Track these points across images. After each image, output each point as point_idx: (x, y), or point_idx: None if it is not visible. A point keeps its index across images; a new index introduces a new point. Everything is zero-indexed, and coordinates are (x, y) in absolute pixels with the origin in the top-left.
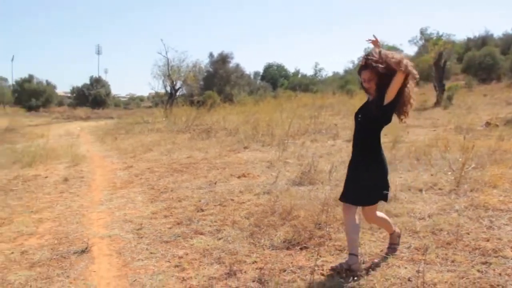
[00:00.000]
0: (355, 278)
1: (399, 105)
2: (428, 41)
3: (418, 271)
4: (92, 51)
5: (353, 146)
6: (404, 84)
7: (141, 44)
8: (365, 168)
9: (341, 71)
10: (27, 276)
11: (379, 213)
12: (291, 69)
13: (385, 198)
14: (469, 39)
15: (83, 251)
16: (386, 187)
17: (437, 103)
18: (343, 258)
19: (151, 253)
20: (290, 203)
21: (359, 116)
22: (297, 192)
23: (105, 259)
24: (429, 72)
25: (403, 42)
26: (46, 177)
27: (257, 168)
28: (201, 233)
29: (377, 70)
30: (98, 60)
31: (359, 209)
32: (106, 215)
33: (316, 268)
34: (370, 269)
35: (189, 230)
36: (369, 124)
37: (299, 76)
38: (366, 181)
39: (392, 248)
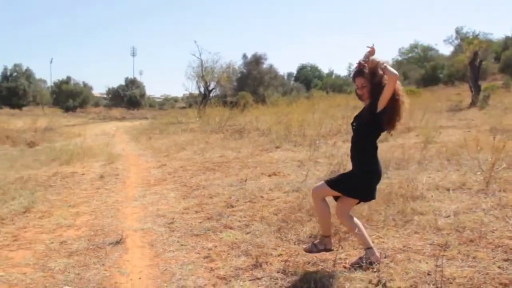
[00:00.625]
0: (376, 270)
1: (388, 116)
2: (463, 40)
3: (437, 265)
4: (127, 53)
5: (350, 153)
6: (396, 94)
7: (175, 45)
8: (356, 172)
9: None
10: (65, 264)
11: (356, 220)
12: (325, 69)
13: (363, 200)
14: (507, 38)
15: (117, 242)
16: (369, 195)
17: (472, 104)
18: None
19: (181, 245)
20: None
21: (354, 124)
22: None
23: (138, 250)
24: (465, 72)
25: (439, 42)
26: (83, 174)
27: (288, 167)
28: (230, 228)
29: (370, 78)
30: (133, 61)
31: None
32: (139, 210)
33: (339, 261)
34: (392, 263)
35: (219, 224)
36: (363, 131)
37: (333, 76)
38: (353, 181)
39: (361, 260)
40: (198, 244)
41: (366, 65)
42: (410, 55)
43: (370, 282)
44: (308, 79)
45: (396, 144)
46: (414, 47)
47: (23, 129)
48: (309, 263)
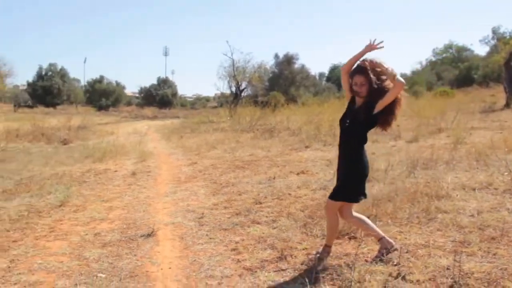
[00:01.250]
0: (396, 263)
1: (385, 116)
2: (500, 40)
3: (455, 260)
4: (159, 53)
5: (339, 150)
6: (397, 98)
7: (207, 45)
8: (345, 169)
9: (408, 72)
10: (99, 253)
11: (360, 216)
12: None
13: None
14: None
15: (149, 235)
16: (358, 192)
17: (506, 105)
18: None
19: (210, 238)
20: None
21: (347, 121)
22: None
23: (168, 243)
24: (500, 73)
25: (474, 42)
26: (115, 171)
27: (317, 166)
28: (258, 223)
29: (372, 78)
30: (165, 61)
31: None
32: (170, 205)
33: (361, 255)
34: (413, 258)
35: (246, 219)
36: (357, 129)
37: None
38: (342, 180)
39: (381, 253)
40: (226, 237)
41: (368, 64)
42: (444, 55)
43: (390, 275)
44: (340, 79)
45: (426, 144)
46: (448, 47)
47: (57, 127)
48: (332, 256)
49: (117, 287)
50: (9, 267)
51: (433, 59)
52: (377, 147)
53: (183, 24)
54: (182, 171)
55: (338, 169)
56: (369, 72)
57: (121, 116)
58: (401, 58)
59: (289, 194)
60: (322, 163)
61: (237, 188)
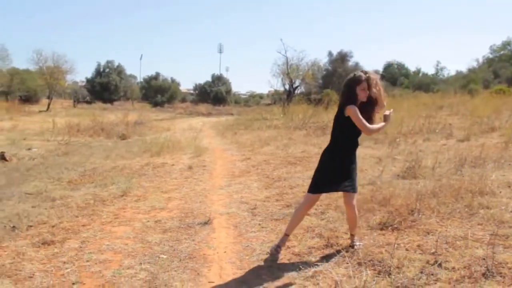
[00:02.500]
0: (434, 252)
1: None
2: None
3: (490, 251)
4: (214, 50)
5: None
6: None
7: (261, 42)
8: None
9: (464, 69)
10: (161, 238)
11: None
12: (411, 67)
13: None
14: None
15: (205, 223)
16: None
17: None
18: (429, 239)
19: (262, 227)
20: (390, 193)
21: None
22: (398, 184)
23: (223, 230)
24: None
25: None
26: (172, 164)
27: (366, 163)
28: (307, 214)
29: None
30: (220, 58)
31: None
32: (225, 197)
33: (402, 245)
34: (451, 248)
35: None
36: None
37: (420, 75)
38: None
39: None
40: (277, 227)
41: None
42: (502, 52)
43: (427, 262)
44: (395, 77)
45: (477, 143)
46: (506, 44)
47: (115, 123)
48: (374, 245)
49: (177, 266)
50: (80, 247)
51: (490, 56)
52: (427, 145)
53: (237, 22)
54: (236, 166)
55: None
56: (372, 87)
57: (176, 113)
58: (458, 55)
59: None
60: (372, 160)
61: (289, 183)
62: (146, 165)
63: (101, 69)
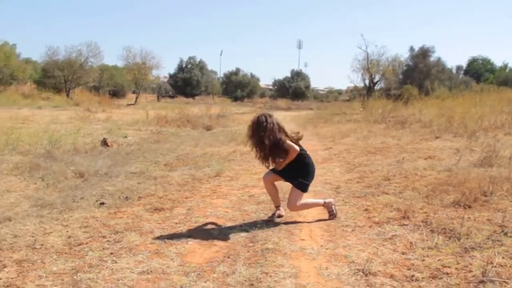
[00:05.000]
0: (501, 225)
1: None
2: None
3: None
4: (293, 46)
5: None
6: None
7: (341, 39)
8: None
9: None
10: (256, 208)
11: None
12: (498, 63)
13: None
14: None
15: None
16: None
17: None
18: (498, 215)
19: (345, 202)
20: (464, 177)
21: None
22: (474, 171)
23: None
24: None
25: None
26: None
27: (444, 153)
28: (386, 193)
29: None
30: (299, 54)
31: None
32: None
33: (472, 218)
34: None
35: (376, 191)
36: None
37: (507, 70)
38: None
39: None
40: (359, 202)
41: None
42: None
43: (494, 231)
44: (479, 72)
45: None
46: None
47: (199, 115)
48: (446, 218)
49: (273, 228)
50: (187, 212)
51: None
52: (508, 139)
53: (317, 17)
54: (318, 154)
55: None
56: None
57: (256, 107)
58: None
59: (416, 174)
60: (450, 151)
61: (369, 168)
62: (234, 152)
63: (184, 65)
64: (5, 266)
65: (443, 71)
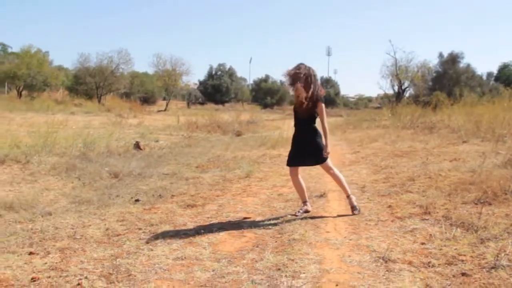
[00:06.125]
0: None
1: None
2: None
3: None
4: (322, 53)
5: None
6: None
7: (370, 45)
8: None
9: None
10: (284, 205)
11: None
12: None
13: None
14: None
15: (321, 196)
16: None
17: None
18: None
19: (370, 200)
20: (487, 176)
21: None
22: (498, 172)
23: (336, 201)
24: None
25: None
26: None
27: (469, 156)
28: (410, 192)
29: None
30: (328, 61)
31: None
32: None
33: (490, 212)
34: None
35: (401, 190)
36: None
37: None
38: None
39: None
40: (383, 200)
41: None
42: None
43: (511, 225)
44: (510, 78)
45: None
46: None
47: (229, 121)
48: (466, 212)
49: (300, 222)
50: (219, 208)
51: None
52: None
53: (346, 24)
54: (346, 157)
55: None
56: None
57: (286, 114)
58: None
59: (440, 174)
60: (476, 154)
61: (395, 170)
62: (263, 156)
63: (213, 72)
64: (49, 253)
65: (473, 77)
